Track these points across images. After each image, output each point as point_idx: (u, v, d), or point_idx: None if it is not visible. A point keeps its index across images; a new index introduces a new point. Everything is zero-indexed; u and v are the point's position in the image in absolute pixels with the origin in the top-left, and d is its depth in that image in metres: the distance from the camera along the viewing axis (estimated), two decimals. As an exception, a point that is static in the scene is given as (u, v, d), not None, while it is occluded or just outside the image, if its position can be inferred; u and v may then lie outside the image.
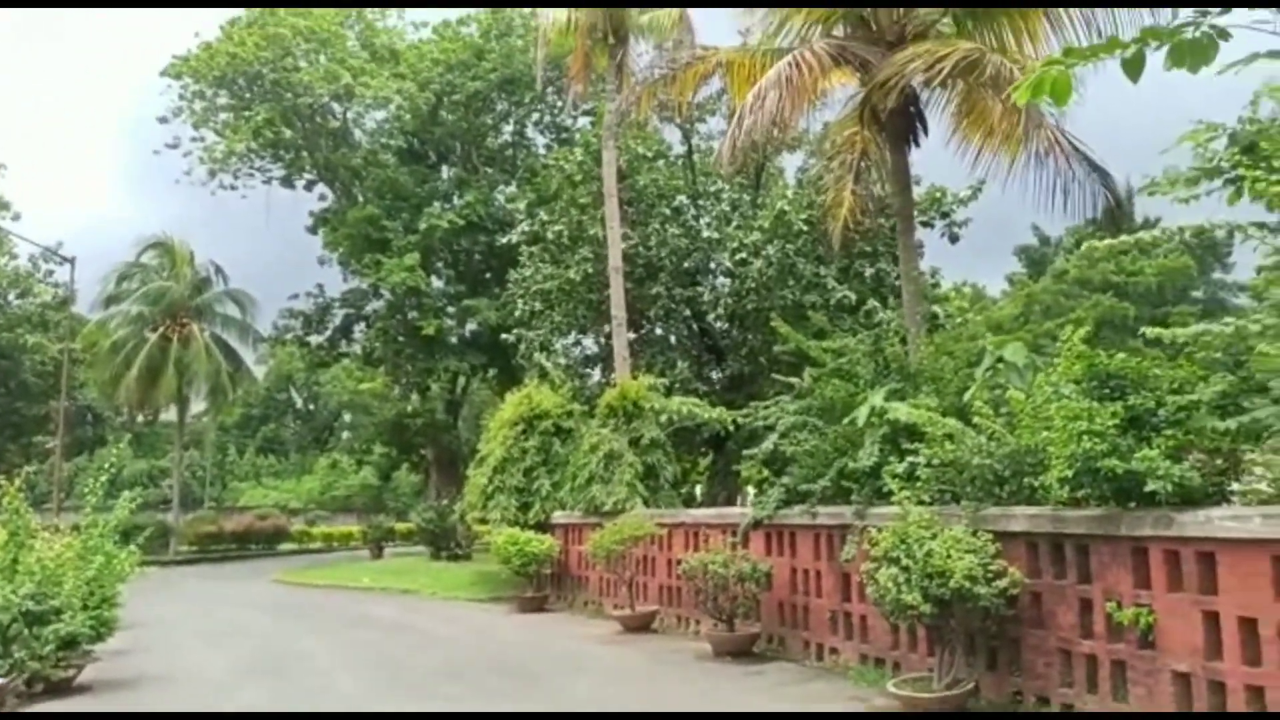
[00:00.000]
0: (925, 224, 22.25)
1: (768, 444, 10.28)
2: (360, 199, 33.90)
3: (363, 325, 35.67)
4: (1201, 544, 5.63)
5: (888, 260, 20.81)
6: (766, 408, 10.91)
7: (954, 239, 22.63)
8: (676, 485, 16.43)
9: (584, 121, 31.51)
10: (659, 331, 25.06)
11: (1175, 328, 5.55)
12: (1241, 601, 5.38)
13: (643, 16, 18.66)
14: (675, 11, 18.08)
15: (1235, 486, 6.12)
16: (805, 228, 20.59)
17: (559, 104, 32.86)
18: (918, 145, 12.83)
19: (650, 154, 23.65)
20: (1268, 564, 5.21)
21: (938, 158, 13.48)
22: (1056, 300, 35.64)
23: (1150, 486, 5.81)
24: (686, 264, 22.87)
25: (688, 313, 23.58)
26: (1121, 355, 6.52)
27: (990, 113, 12.33)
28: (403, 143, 34.40)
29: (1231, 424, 5.76)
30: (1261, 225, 5.35)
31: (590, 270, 22.14)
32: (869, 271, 21.54)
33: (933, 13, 11.94)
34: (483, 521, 17.82)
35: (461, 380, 36.34)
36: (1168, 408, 6.20)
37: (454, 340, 34.14)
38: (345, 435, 61.96)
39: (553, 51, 21.66)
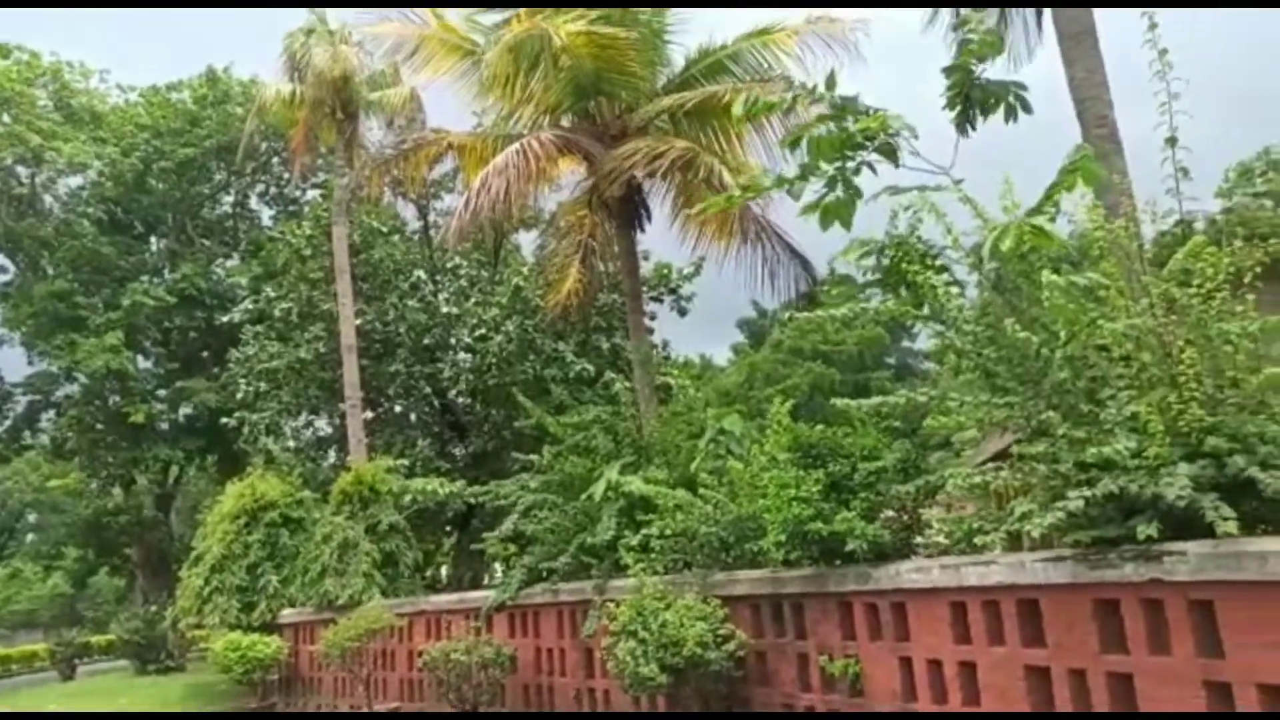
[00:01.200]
0: (655, 299, 23.48)
1: (508, 524, 10.26)
2: (50, 272, 30.28)
3: (52, 413, 31.54)
4: (894, 595, 6.29)
5: (624, 334, 21.68)
6: (507, 486, 10.90)
7: (682, 313, 24.03)
8: (419, 570, 15.85)
9: (314, 194, 30.38)
10: (399, 410, 24.33)
11: (863, 399, 6.24)
12: (928, 645, 6.05)
13: (373, 94, 18.50)
14: (406, 90, 18.09)
15: (919, 540, 6.92)
16: (542, 303, 21.03)
17: (286, 175, 31.50)
18: (643, 230, 13.65)
19: (385, 229, 23.21)
20: (946, 610, 5.91)
21: (667, 235, 14.47)
22: (775, 368, 38.70)
23: (850, 546, 6.42)
24: (426, 340, 22.51)
25: (428, 389, 23.12)
26: (820, 427, 7.22)
27: (706, 200, 13.34)
28: (104, 212, 31.27)
29: (911, 487, 6.54)
30: (925, 315, 6.19)
31: (322, 348, 21.18)
32: (606, 345, 22.32)
33: (652, 110, 12.84)
34: (199, 627, 16.13)
35: (175, 470, 32.99)
36: (861, 473, 6.91)
37: (165, 426, 31.05)
38: (30, 539, 53.81)
39: (277, 122, 20.83)
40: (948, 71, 6.12)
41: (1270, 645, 4.16)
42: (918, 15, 11.99)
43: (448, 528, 22.93)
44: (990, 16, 11.75)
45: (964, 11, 6.37)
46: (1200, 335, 5.04)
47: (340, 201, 18.86)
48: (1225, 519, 4.38)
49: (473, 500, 14.29)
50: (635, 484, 8.84)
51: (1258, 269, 5.22)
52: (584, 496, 9.59)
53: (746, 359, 43.73)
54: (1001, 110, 6.05)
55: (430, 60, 13.39)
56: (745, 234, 13.11)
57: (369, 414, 22.43)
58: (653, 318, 23.08)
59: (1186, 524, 4.64)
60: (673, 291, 23.80)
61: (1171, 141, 5.72)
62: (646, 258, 22.07)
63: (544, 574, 9.88)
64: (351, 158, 18.44)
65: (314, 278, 21.83)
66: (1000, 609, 5.54)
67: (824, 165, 6.10)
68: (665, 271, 23.58)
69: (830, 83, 6.07)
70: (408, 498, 15.64)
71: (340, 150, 18.92)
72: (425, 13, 13.24)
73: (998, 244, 4.64)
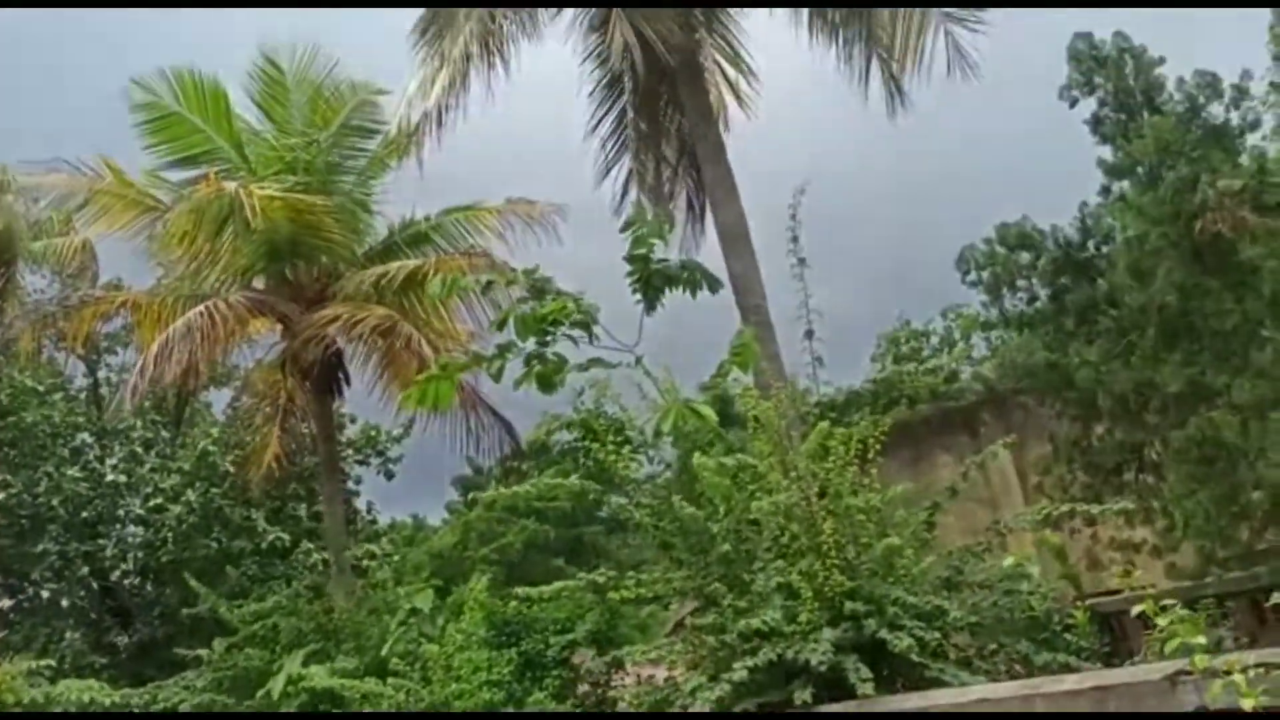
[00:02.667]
0: (361, 462, 22.51)
1: (167, 736, 8.99)
2: None
3: None
4: (584, 776, 6.20)
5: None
6: (167, 689, 9.58)
7: (389, 476, 23.17)
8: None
9: (-45, 345, 26.35)
10: (46, 595, 20.89)
11: (545, 587, 6.35)
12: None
13: (36, 243, 16.71)
14: (77, 240, 16.51)
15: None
16: (233, 469, 19.39)
17: (-81, 322, 27.13)
18: (341, 395, 13.21)
19: (43, 387, 20.53)
20: (634, 785, 5.91)
21: (372, 396, 14.15)
22: (490, 526, 38.10)
23: (540, 730, 6.31)
24: (86, 513, 19.77)
25: (86, 570, 20.14)
26: (515, 603, 7.15)
27: (409, 366, 13.18)
28: None
29: (600, 663, 6.61)
30: (604, 491, 6.52)
31: (-53, 527, 17.92)
32: (305, 512, 20.88)
33: (354, 279, 12.67)
34: None
35: None
36: (554, 648, 6.90)
37: None
38: None
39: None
40: (629, 260, 6.71)
41: (906, 796, 4.56)
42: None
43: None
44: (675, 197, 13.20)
45: (636, 208, 7.11)
46: (838, 507, 5.69)
47: (-15, 357, 16.52)
48: (864, 680, 4.83)
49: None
50: (319, 676, 8.17)
51: (878, 445, 6.05)
52: (260, 694, 8.68)
53: (461, 518, 42.73)
54: (690, 289, 6.73)
55: (105, 214, 12.46)
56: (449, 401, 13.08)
57: (6, 602, 19.11)
58: (358, 481, 22.05)
59: (838, 684, 5.06)
60: (380, 454, 22.99)
61: (809, 334, 6.63)
62: (353, 420, 21.30)
63: (211, 789, 8.71)
64: (3, 309, 16.32)
65: (-55, 444, 18.72)
66: (684, 782, 5.62)
67: (524, 343, 6.42)
68: (373, 434, 22.78)
69: (527, 272, 6.50)
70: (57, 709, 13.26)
71: (-11, 299, 16.71)
72: (99, 165, 12.40)
73: (661, 424, 5.01)
